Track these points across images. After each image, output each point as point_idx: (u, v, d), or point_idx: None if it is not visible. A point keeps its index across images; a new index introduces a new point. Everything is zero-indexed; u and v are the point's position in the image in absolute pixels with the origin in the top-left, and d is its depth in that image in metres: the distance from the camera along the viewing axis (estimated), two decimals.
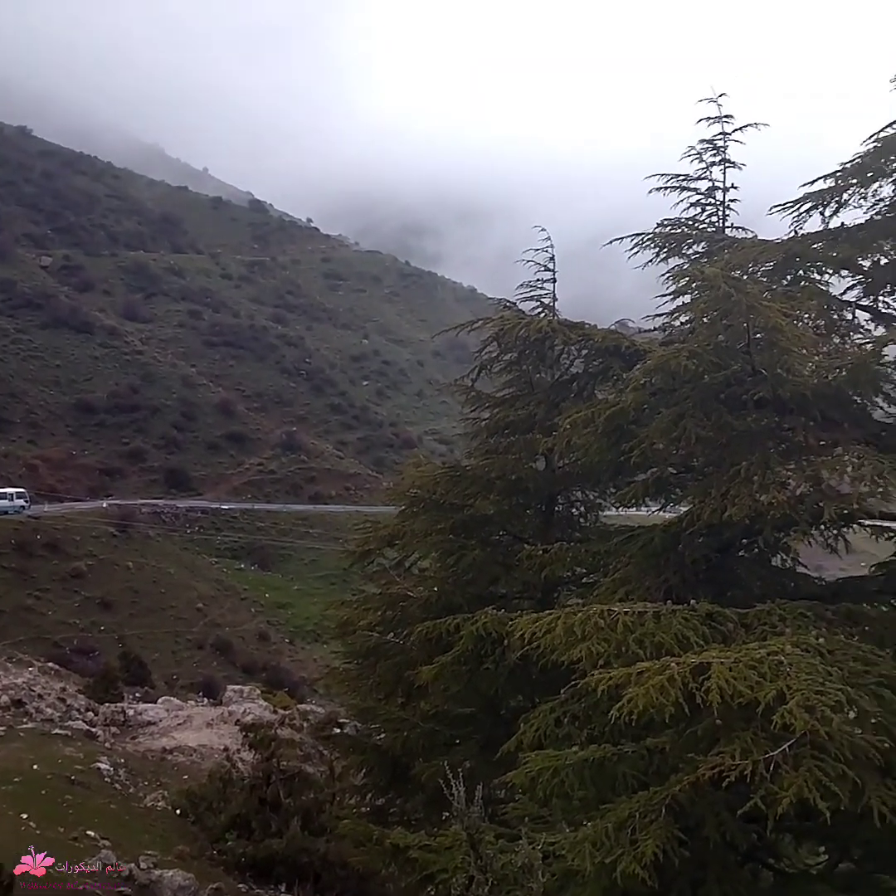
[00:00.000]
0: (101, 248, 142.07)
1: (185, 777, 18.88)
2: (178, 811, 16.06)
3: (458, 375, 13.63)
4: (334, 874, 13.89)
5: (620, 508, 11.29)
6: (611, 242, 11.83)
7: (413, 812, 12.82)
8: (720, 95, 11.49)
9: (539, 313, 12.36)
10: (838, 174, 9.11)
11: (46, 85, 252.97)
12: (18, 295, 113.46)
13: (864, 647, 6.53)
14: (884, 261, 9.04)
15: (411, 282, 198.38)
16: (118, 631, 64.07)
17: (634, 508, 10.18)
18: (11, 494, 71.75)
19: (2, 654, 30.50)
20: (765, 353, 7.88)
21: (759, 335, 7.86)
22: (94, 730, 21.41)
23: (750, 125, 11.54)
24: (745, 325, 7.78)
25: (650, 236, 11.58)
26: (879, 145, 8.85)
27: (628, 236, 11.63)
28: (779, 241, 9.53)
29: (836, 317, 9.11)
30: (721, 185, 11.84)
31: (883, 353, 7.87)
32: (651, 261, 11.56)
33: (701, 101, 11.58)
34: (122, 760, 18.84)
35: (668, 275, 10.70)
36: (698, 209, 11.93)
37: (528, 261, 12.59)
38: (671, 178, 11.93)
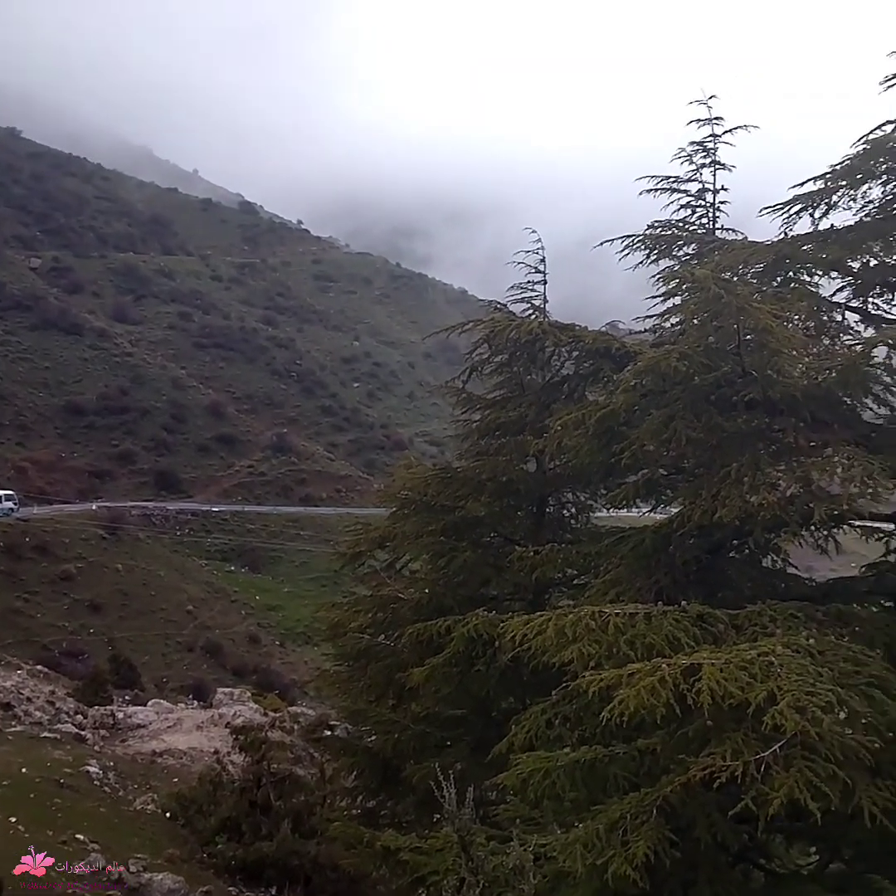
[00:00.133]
0: (91, 249, 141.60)
1: (175, 780, 18.84)
2: (167, 814, 16.01)
3: (448, 377, 13.63)
4: (325, 877, 13.87)
5: (611, 510, 11.31)
6: (601, 244, 11.87)
7: (404, 814, 12.81)
8: (710, 97, 11.54)
9: (530, 315, 12.37)
10: (827, 176, 9.14)
11: (35, 86, 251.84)
12: (7, 296, 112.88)
13: (855, 647, 6.54)
14: (873, 262, 9.07)
15: (402, 283, 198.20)
16: (108, 633, 63.82)
17: (625, 510, 10.19)
18: (0, 497, 71.49)
19: None
20: (755, 354, 7.89)
21: (749, 336, 7.87)
22: (83, 733, 21.35)
23: (740, 127, 11.59)
24: (735, 326, 7.80)
25: (640, 238, 11.60)
26: (869, 147, 8.88)
27: (619, 238, 11.65)
28: (769, 242, 9.56)
29: (825, 318, 9.13)
30: (711, 186, 11.87)
31: (872, 354, 7.88)
32: (641, 262, 11.59)
33: (692, 103, 11.62)
34: (112, 763, 18.78)
35: (658, 276, 10.70)
36: (688, 211, 11.96)
37: (519, 263, 12.62)
38: (661, 180, 11.96)
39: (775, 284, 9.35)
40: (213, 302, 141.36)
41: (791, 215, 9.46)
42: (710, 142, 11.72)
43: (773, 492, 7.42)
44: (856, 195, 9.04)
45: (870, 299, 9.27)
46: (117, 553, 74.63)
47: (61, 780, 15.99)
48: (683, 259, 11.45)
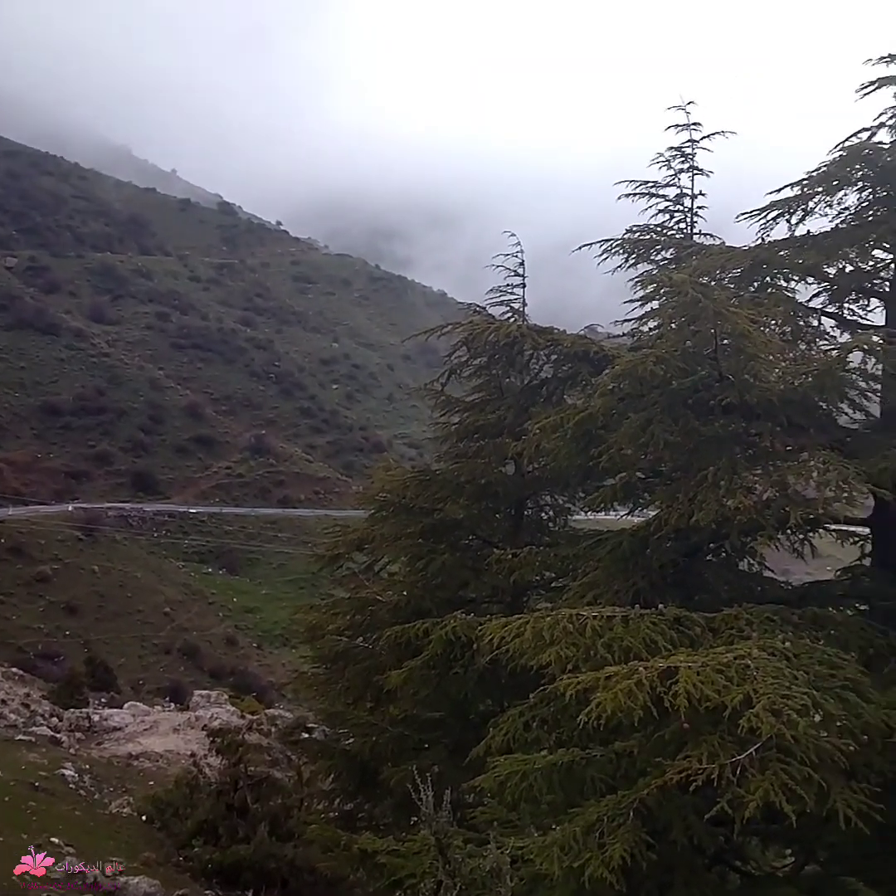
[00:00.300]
0: (68, 249, 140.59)
1: (152, 783, 18.74)
2: (143, 817, 15.92)
3: (428, 379, 13.64)
4: (302, 880, 13.82)
5: (589, 513, 11.35)
6: (580, 248, 11.92)
7: (381, 817, 12.79)
8: (688, 103, 11.62)
9: (508, 318, 12.41)
10: (804, 182, 9.21)
11: (12, 84, 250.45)
12: None
13: (830, 650, 6.59)
14: (849, 268, 9.14)
15: (381, 286, 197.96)
16: (84, 636, 63.38)
17: (603, 513, 10.22)
18: None
19: None
20: (732, 358, 7.94)
21: (726, 341, 7.92)
22: (58, 736, 21.20)
23: (717, 133, 11.67)
24: (712, 330, 7.84)
25: (619, 242, 11.65)
26: (845, 154, 8.95)
27: (598, 242, 11.71)
28: (746, 248, 9.62)
29: (802, 323, 9.20)
30: (689, 191, 11.95)
31: (848, 359, 7.95)
32: (620, 266, 11.65)
33: (670, 108, 11.69)
34: (87, 766, 18.66)
35: (636, 280, 10.76)
36: (667, 215, 12.03)
37: (498, 266, 12.65)
38: (640, 185, 12.03)
39: (752, 289, 9.41)
40: (191, 302, 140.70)
41: (768, 221, 9.52)
42: (688, 147, 11.80)
43: (750, 496, 7.47)
44: (832, 201, 9.12)
45: (845, 305, 9.36)
46: (94, 554, 74.14)
47: (36, 784, 15.88)
48: (662, 263, 11.51)
